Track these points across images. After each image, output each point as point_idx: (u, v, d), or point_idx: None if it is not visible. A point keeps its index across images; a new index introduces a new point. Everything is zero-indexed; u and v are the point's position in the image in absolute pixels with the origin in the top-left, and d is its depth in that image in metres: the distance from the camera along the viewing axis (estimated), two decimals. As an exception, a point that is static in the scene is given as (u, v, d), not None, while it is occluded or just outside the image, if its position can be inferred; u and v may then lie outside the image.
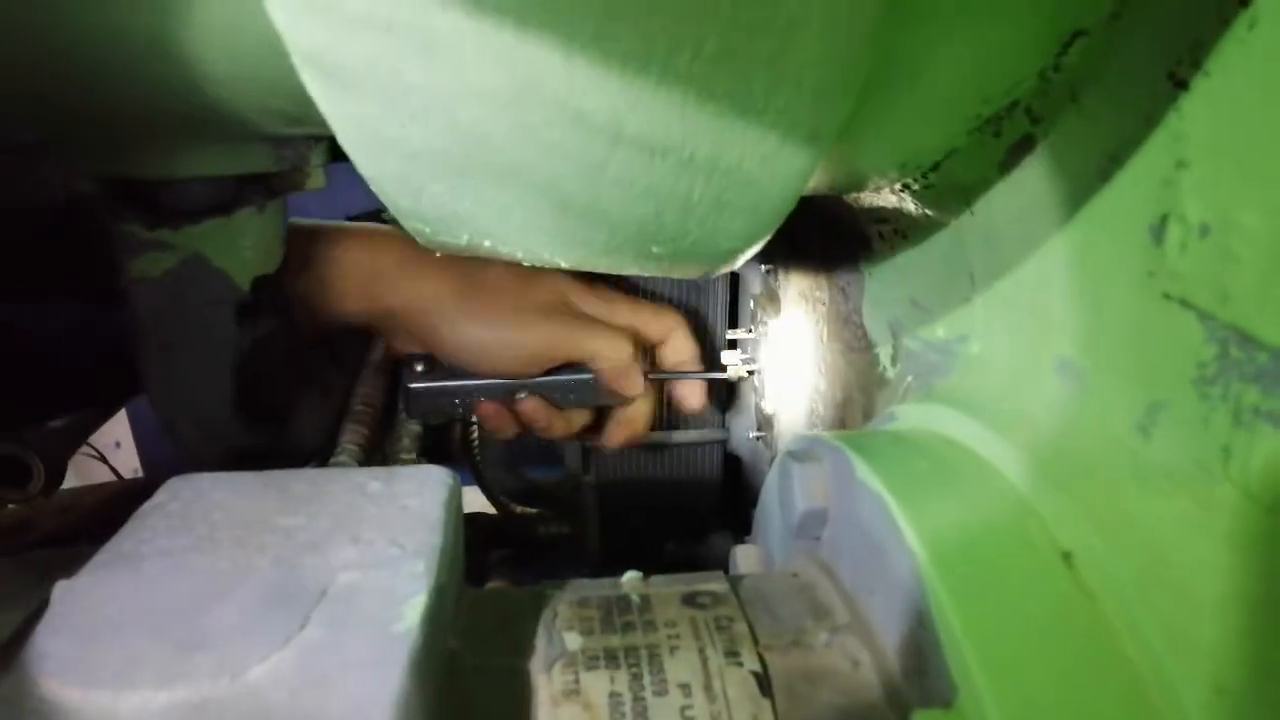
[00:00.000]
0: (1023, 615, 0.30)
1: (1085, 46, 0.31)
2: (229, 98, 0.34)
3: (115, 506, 0.67)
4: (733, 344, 0.74)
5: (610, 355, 0.66)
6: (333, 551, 0.32)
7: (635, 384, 0.68)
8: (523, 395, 0.69)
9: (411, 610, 0.29)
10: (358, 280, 0.62)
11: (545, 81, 0.25)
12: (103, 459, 1.06)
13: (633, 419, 0.71)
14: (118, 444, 1.24)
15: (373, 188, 0.30)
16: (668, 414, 0.79)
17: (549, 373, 0.67)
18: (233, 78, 0.33)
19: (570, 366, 0.68)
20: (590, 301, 0.68)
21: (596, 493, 0.84)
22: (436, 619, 0.30)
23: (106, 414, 0.79)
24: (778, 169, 0.28)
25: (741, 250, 0.34)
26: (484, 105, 0.25)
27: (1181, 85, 0.27)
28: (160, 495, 0.35)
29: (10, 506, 0.64)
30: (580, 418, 0.71)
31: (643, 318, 0.69)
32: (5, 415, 0.62)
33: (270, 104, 0.35)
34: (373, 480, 0.37)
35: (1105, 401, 0.32)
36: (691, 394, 0.73)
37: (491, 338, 0.64)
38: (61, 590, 0.29)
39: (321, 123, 0.27)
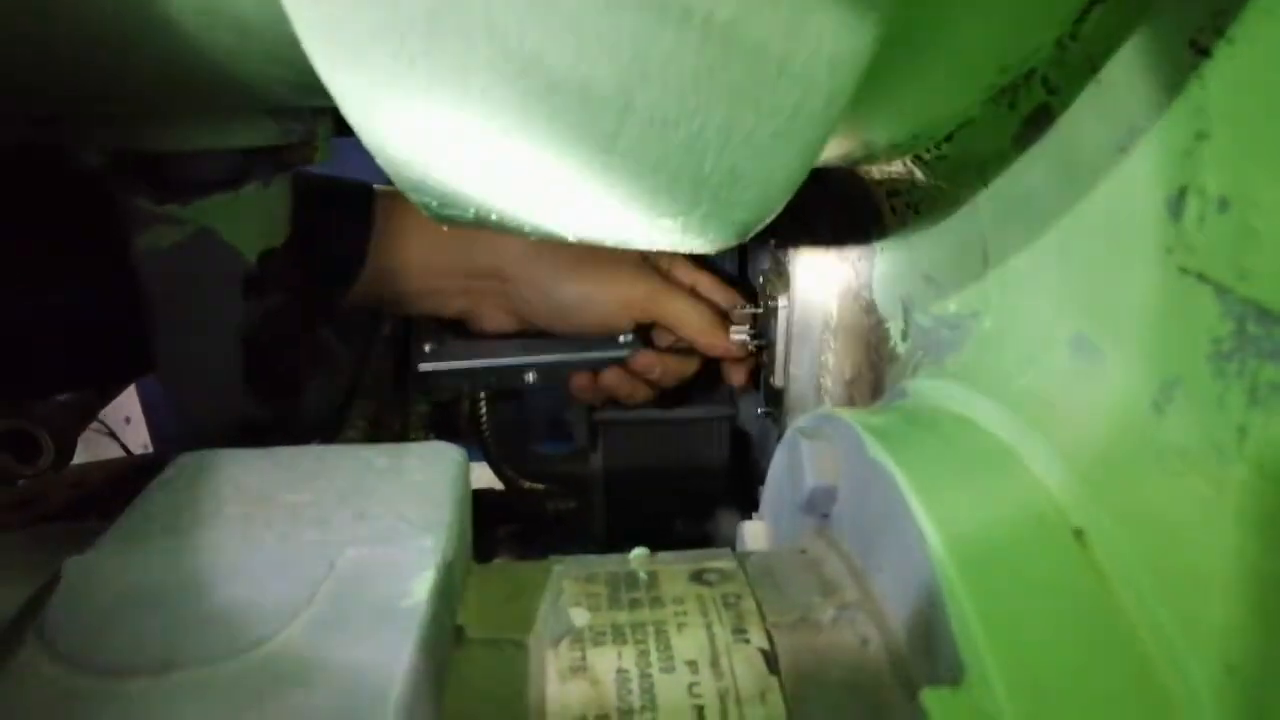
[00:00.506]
0: (1033, 594, 0.30)
1: (1104, 14, 0.30)
2: (236, 70, 0.33)
3: (125, 482, 0.67)
4: (741, 319, 0.74)
5: (694, 319, 0.68)
6: (340, 527, 0.32)
7: (723, 344, 0.70)
8: (532, 376, 0.69)
9: (419, 586, 0.29)
10: (457, 241, 0.63)
11: (553, 51, 0.24)
12: (113, 435, 1.06)
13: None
14: (128, 419, 1.25)
15: (378, 160, 0.29)
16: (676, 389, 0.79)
17: (588, 344, 0.69)
18: (239, 50, 0.32)
19: (610, 341, 0.69)
20: (673, 265, 0.70)
21: (604, 469, 0.84)
22: (444, 594, 0.30)
23: (113, 391, 0.79)
24: (791, 138, 0.28)
25: (753, 222, 0.33)
26: (491, 75, 0.25)
27: (1204, 53, 0.26)
28: (168, 472, 0.35)
29: (20, 482, 0.64)
30: (682, 367, 0.73)
31: (717, 286, 0.72)
32: (9, 389, 0.62)
33: (276, 76, 0.34)
34: (380, 456, 0.36)
35: (1119, 378, 0.32)
36: (738, 370, 0.75)
37: (587, 291, 0.66)
38: (70, 567, 0.29)
39: (328, 95, 0.26)
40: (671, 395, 0.81)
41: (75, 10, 0.30)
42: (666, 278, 0.70)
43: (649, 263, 0.70)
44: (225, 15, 0.30)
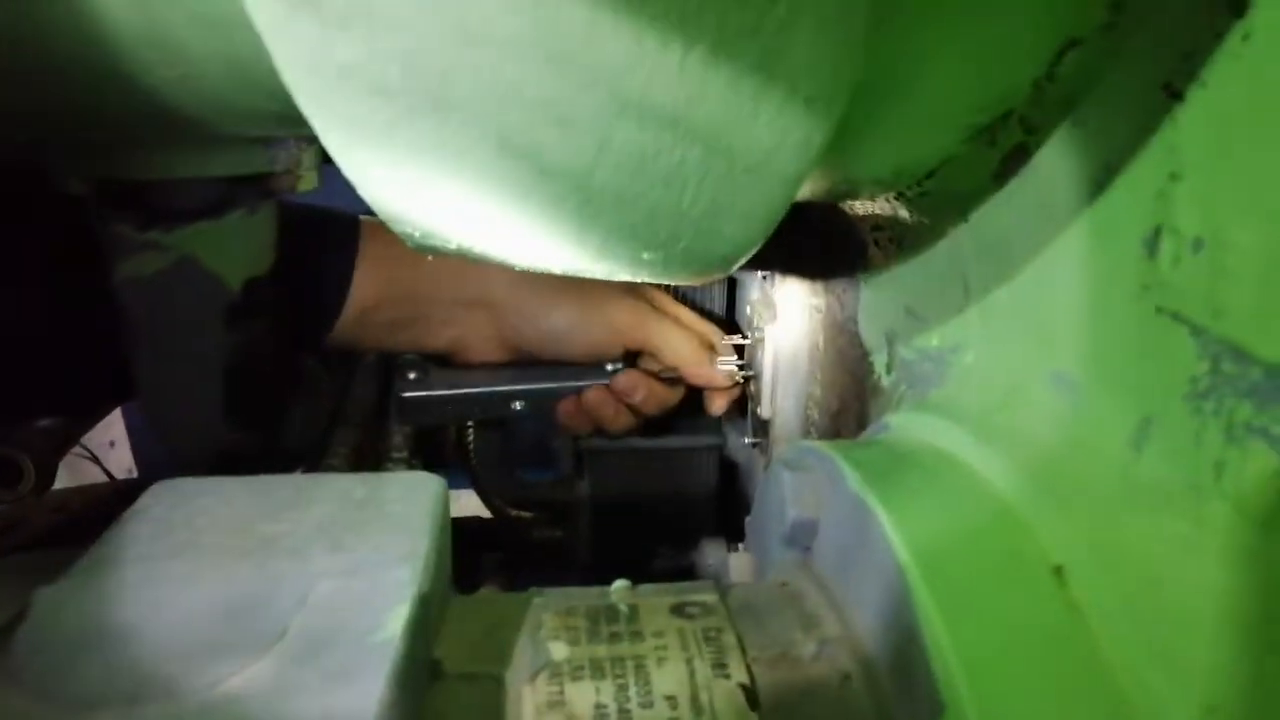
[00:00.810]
0: (1012, 631, 0.29)
1: (1079, 56, 0.31)
2: (221, 99, 0.34)
3: (107, 507, 0.66)
4: (728, 349, 0.74)
5: (682, 346, 0.69)
6: (315, 559, 0.31)
7: (710, 372, 0.71)
8: (519, 405, 0.69)
9: (393, 619, 0.29)
10: (444, 269, 0.63)
11: (532, 86, 0.24)
12: (95, 459, 1.05)
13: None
14: (112, 444, 1.24)
15: (359, 191, 0.29)
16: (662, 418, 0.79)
17: (574, 373, 0.69)
18: (224, 79, 0.32)
19: (598, 369, 0.69)
20: (659, 295, 0.71)
21: (590, 497, 0.83)
22: (419, 628, 0.30)
23: (95, 417, 0.79)
24: (770, 175, 0.28)
25: (735, 256, 0.34)
26: (471, 109, 0.25)
27: (1176, 96, 0.27)
28: (143, 500, 0.35)
29: (1, 507, 0.64)
30: (666, 394, 0.73)
31: (697, 320, 0.73)
32: None
33: (262, 107, 0.34)
34: (359, 486, 0.36)
35: (1098, 415, 0.32)
36: (720, 399, 0.75)
37: (577, 318, 0.66)
38: (40, 598, 0.29)
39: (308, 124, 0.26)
40: (658, 424, 0.81)
41: (61, 39, 0.30)
42: (655, 305, 0.71)
43: (638, 290, 0.70)
44: (209, 47, 0.31)
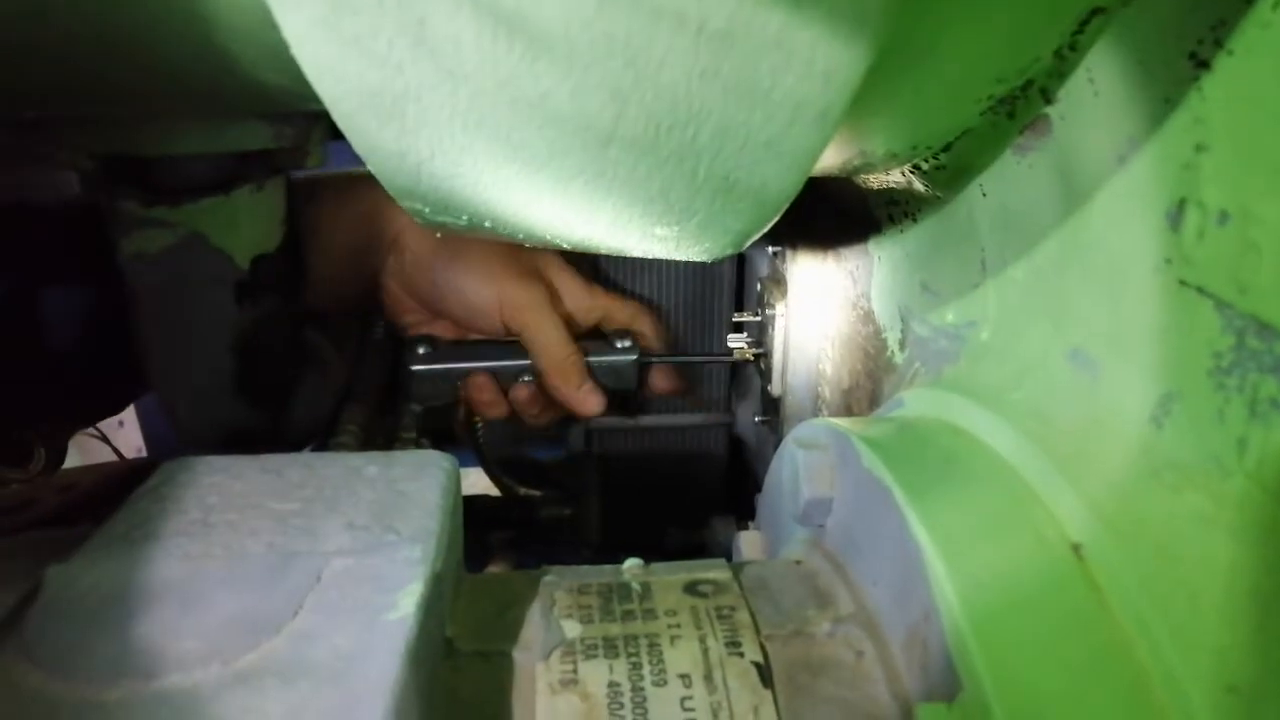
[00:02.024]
0: (1030, 609, 0.29)
1: (1102, 25, 0.30)
2: (228, 73, 0.33)
3: (116, 486, 0.67)
4: (738, 327, 0.74)
5: (552, 350, 0.67)
6: (328, 537, 0.31)
7: (569, 390, 0.69)
8: (527, 379, 0.68)
9: (406, 598, 0.28)
10: (359, 216, 0.63)
11: (545, 55, 0.24)
12: (104, 439, 1.05)
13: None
14: (120, 423, 1.24)
15: (370, 166, 0.29)
16: (661, 396, 0.79)
17: (582, 349, 0.69)
18: (232, 52, 0.32)
19: (608, 345, 0.69)
20: (565, 278, 0.70)
21: (599, 475, 0.83)
22: (432, 606, 0.30)
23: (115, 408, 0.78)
24: (785, 149, 0.28)
25: (748, 232, 0.33)
26: (484, 80, 0.25)
27: (1203, 65, 0.26)
28: (155, 479, 0.35)
29: (11, 486, 0.64)
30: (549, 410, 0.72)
31: (613, 299, 0.72)
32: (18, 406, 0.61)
33: (270, 79, 0.34)
34: (369, 465, 0.36)
35: (1118, 391, 0.31)
36: (662, 377, 0.75)
37: (465, 281, 0.66)
38: (52, 575, 0.29)
39: (319, 99, 0.26)
40: (667, 401, 0.80)
41: (65, 12, 0.30)
42: (556, 301, 0.69)
43: (542, 281, 0.69)
44: (218, 18, 0.30)
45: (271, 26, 0.24)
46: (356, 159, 0.29)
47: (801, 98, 0.26)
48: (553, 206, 0.31)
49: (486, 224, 0.33)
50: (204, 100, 0.37)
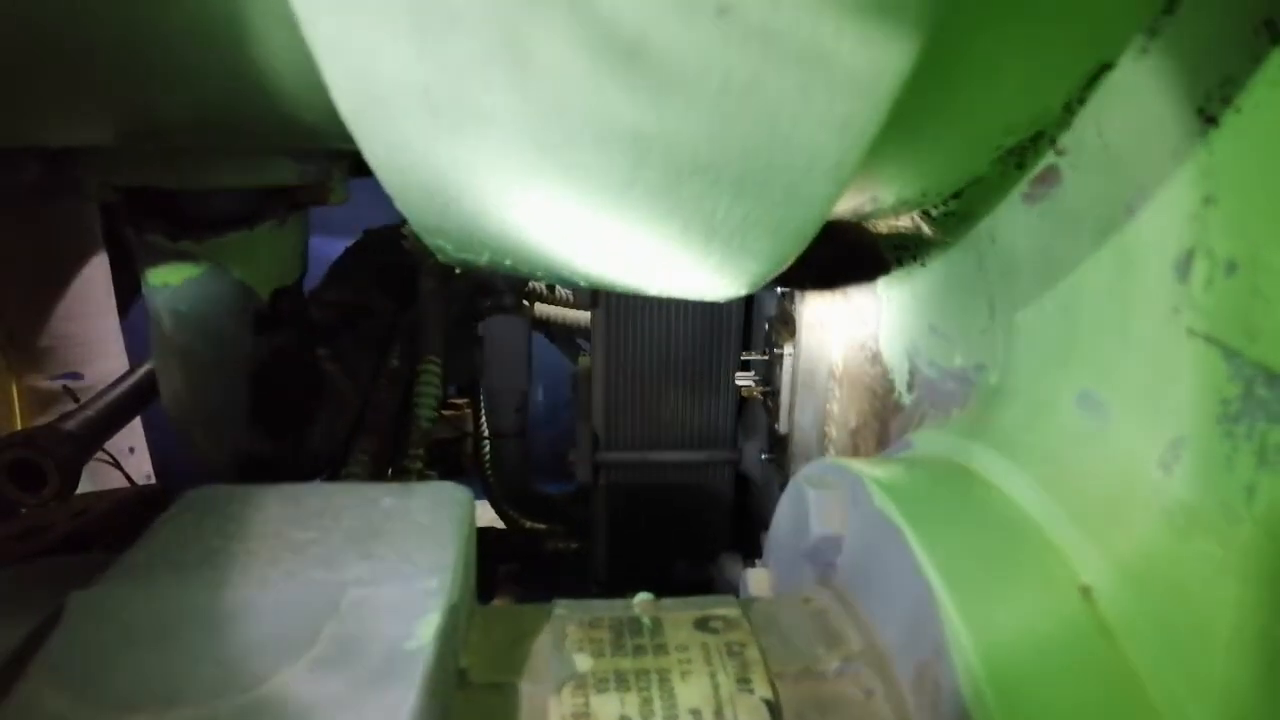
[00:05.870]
0: (1040, 650, 0.29)
1: (1111, 80, 0.31)
2: (271, 109, 0.34)
3: (128, 512, 0.67)
4: (745, 365, 0.74)
5: None
6: (345, 567, 0.32)
7: None
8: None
9: (424, 628, 0.29)
10: None
11: (572, 100, 0.25)
12: (116, 464, 1.05)
13: None
14: (131, 449, 1.24)
15: (397, 205, 0.30)
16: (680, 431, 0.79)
17: None
18: (276, 89, 0.33)
19: None
20: None
21: (606, 509, 0.84)
22: (449, 637, 0.30)
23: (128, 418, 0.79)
24: (802, 195, 0.28)
25: (765, 273, 0.34)
26: (512, 124, 0.25)
27: (1211, 121, 0.27)
28: (176, 507, 0.35)
29: (24, 510, 0.64)
30: None
31: None
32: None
33: (302, 118, 0.35)
34: (387, 496, 0.37)
35: (1127, 436, 0.32)
36: None
37: None
38: (74, 601, 0.29)
39: (345, 137, 0.27)
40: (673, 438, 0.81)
41: (120, 51, 0.31)
42: None
43: None
44: (265, 57, 0.31)
45: (308, 67, 0.25)
46: (380, 198, 0.30)
47: (820, 145, 0.27)
48: (573, 247, 0.31)
49: (507, 261, 0.34)
50: (242, 135, 0.37)
